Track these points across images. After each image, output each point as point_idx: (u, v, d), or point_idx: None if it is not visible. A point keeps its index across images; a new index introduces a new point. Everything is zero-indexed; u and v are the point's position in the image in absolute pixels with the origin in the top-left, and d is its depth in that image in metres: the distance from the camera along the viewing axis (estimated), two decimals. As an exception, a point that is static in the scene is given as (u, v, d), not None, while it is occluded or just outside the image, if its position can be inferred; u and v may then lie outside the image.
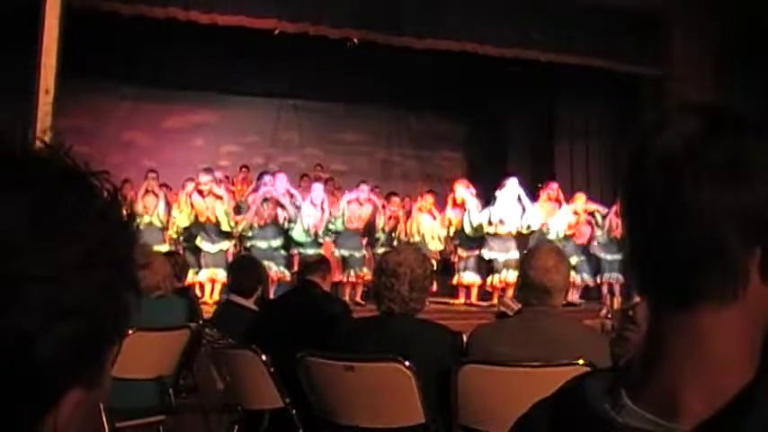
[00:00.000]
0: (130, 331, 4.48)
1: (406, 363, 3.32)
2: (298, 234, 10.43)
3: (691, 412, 0.86)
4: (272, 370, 4.04)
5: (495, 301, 9.58)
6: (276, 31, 9.92)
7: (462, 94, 13.86)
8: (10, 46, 8.76)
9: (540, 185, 11.55)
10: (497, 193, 10.73)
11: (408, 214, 11.49)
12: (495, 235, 10.67)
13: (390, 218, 11.45)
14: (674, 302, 0.90)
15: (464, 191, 11.03)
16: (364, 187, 11.04)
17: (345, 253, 10.64)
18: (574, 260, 10.75)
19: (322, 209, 10.52)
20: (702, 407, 0.86)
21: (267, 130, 14.27)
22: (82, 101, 12.01)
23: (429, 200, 11.37)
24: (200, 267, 10.15)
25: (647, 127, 0.94)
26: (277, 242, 10.38)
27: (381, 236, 11.07)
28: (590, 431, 0.91)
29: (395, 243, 11.05)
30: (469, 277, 10.97)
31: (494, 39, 10.44)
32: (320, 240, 10.54)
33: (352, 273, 10.56)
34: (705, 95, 10.46)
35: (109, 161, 11.26)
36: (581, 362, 3.07)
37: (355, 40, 10.55)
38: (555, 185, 11.42)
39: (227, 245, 10.32)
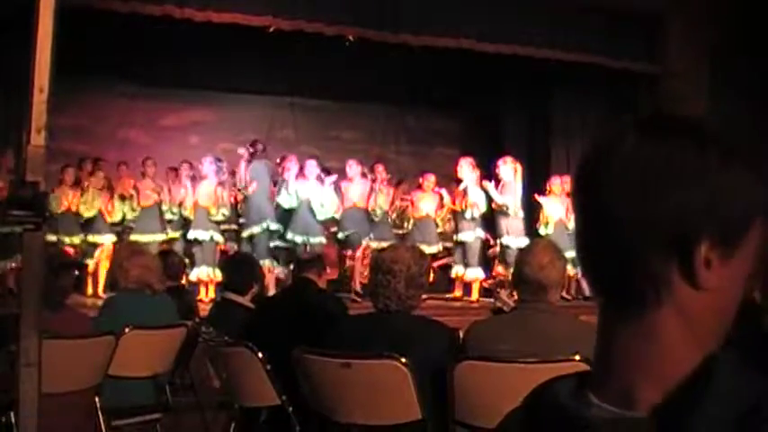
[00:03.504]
0: (126, 330, 4.50)
1: (403, 359, 3.33)
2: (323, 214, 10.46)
3: (646, 402, 0.89)
4: (268, 367, 4.04)
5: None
6: (271, 29, 9.91)
7: (458, 91, 13.84)
8: (3, 44, 8.76)
9: (545, 182, 11.47)
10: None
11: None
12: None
13: (399, 201, 11.36)
14: (613, 305, 0.93)
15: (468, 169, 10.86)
16: (351, 162, 10.93)
17: (344, 234, 10.60)
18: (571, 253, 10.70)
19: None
20: (656, 397, 0.89)
21: (263, 127, 14.24)
22: (78, 99, 11.98)
23: (431, 180, 11.25)
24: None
25: (602, 135, 0.96)
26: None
27: (379, 211, 10.75)
28: (563, 428, 0.93)
29: (408, 226, 11.01)
30: (472, 273, 10.87)
31: (490, 35, 10.43)
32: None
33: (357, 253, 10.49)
34: (701, 94, 10.48)
35: (105, 159, 11.24)
36: (577, 358, 3.07)
37: (351, 38, 10.54)
38: (558, 180, 11.37)
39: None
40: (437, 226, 11.23)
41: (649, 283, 0.89)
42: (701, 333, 0.91)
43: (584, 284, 10.72)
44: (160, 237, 10.25)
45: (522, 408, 1.02)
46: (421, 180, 11.44)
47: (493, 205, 10.71)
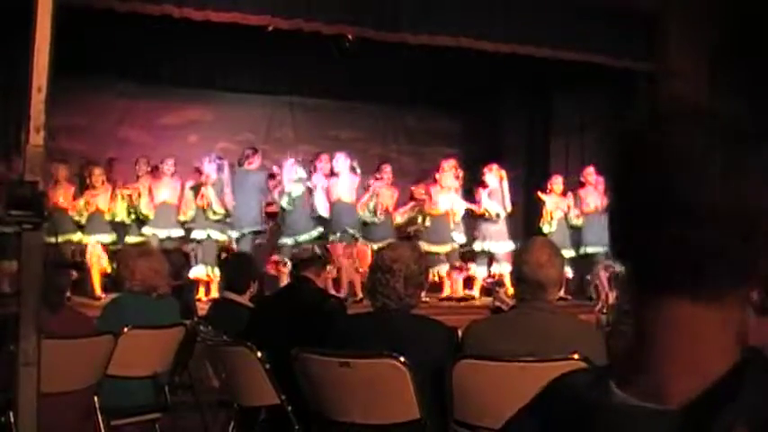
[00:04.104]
0: (125, 329, 4.50)
1: (401, 359, 3.33)
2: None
3: (679, 396, 0.87)
4: (267, 366, 4.04)
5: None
6: (270, 28, 9.91)
7: (458, 91, 13.85)
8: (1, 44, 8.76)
9: (546, 181, 11.47)
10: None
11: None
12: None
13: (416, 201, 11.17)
14: (673, 299, 0.90)
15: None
16: (339, 156, 10.69)
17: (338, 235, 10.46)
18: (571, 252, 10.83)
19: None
20: (691, 390, 0.87)
21: (261, 127, 14.24)
22: (77, 98, 11.97)
23: (451, 163, 11.02)
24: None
25: (642, 125, 0.93)
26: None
27: (368, 214, 10.57)
28: (584, 419, 0.92)
29: (426, 223, 10.78)
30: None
31: (490, 35, 10.42)
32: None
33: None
34: (700, 92, 10.45)
35: (104, 158, 11.24)
36: (576, 356, 3.07)
37: (350, 36, 10.53)
38: (560, 178, 11.39)
39: None
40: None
41: (730, 279, 0.88)
42: (742, 326, 0.90)
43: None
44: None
45: (536, 401, 1.01)
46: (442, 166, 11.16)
47: (476, 210, 10.76)
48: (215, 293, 9.58)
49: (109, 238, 10.06)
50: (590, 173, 11.14)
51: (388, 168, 11.07)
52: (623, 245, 0.94)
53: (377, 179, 10.82)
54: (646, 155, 0.90)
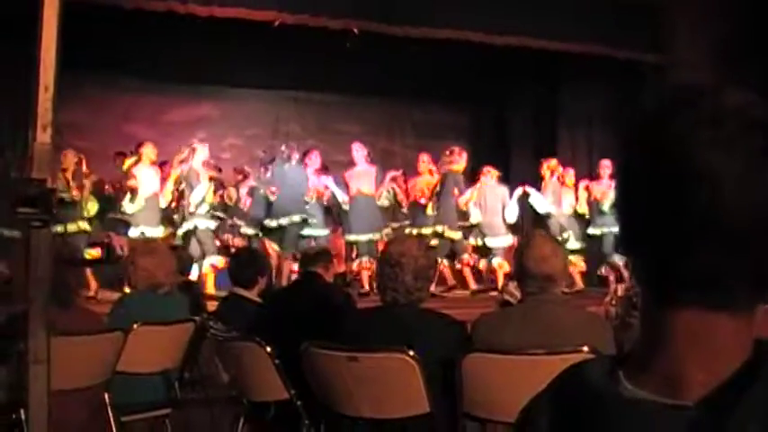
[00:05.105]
0: (135, 326, 4.51)
1: (410, 353, 3.33)
2: None
3: (694, 391, 0.87)
4: (276, 362, 4.04)
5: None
6: (276, 23, 9.90)
7: (464, 84, 13.82)
8: (8, 41, 8.75)
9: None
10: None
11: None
12: None
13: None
14: (687, 308, 0.88)
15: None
16: (357, 146, 10.54)
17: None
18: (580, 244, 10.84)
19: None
20: (706, 385, 0.86)
21: (268, 122, 14.28)
22: (81, 94, 12.00)
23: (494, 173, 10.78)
24: None
25: (656, 130, 0.89)
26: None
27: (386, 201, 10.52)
28: (595, 409, 0.92)
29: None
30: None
31: (496, 27, 10.39)
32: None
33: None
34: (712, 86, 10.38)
35: (109, 155, 11.25)
36: (585, 349, 3.07)
37: (355, 31, 10.51)
38: (572, 171, 11.38)
39: None
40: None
41: (735, 289, 0.87)
42: (754, 332, 0.89)
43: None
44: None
45: (549, 390, 1.01)
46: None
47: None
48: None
49: (155, 231, 9.64)
50: (606, 165, 11.07)
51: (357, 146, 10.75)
52: (635, 252, 0.93)
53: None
54: (660, 164, 0.88)
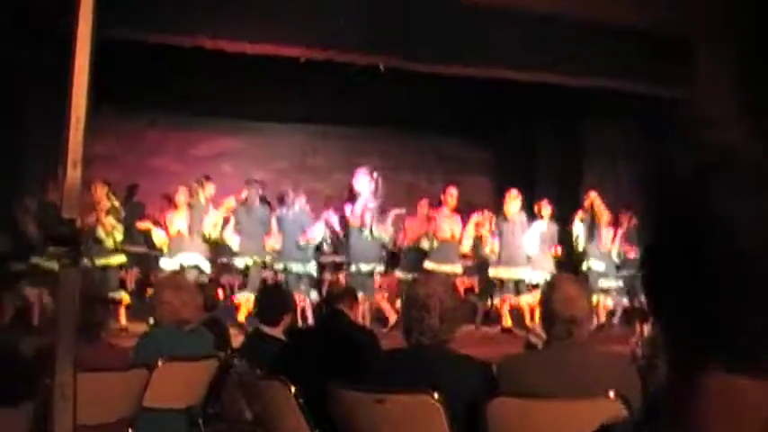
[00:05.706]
0: (159, 363, 4.51)
1: (436, 395, 3.30)
2: None
3: None
4: (300, 401, 4.03)
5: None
6: (303, 59, 9.97)
7: (490, 119, 13.87)
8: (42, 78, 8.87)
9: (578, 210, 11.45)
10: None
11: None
12: None
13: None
14: (706, 370, 0.85)
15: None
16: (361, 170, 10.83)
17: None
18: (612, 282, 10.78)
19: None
20: None
21: (295, 156, 14.37)
22: (110, 127, 12.13)
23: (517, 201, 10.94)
24: None
25: (682, 185, 0.87)
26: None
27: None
28: None
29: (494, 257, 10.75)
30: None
31: (522, 64, 10.43)
32: None
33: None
34: (731, 121, 10.37)
35: (135, 187, 11.36)
36: (612, 395, 3.04)
37: (381, 67, 10.56)
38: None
39: None
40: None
41: (756, 350, 0.82)
42: None
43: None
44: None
45: None
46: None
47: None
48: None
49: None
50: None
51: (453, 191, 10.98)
52: (657, 309, 0.90)
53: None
54: (687, 219, 0.85)
